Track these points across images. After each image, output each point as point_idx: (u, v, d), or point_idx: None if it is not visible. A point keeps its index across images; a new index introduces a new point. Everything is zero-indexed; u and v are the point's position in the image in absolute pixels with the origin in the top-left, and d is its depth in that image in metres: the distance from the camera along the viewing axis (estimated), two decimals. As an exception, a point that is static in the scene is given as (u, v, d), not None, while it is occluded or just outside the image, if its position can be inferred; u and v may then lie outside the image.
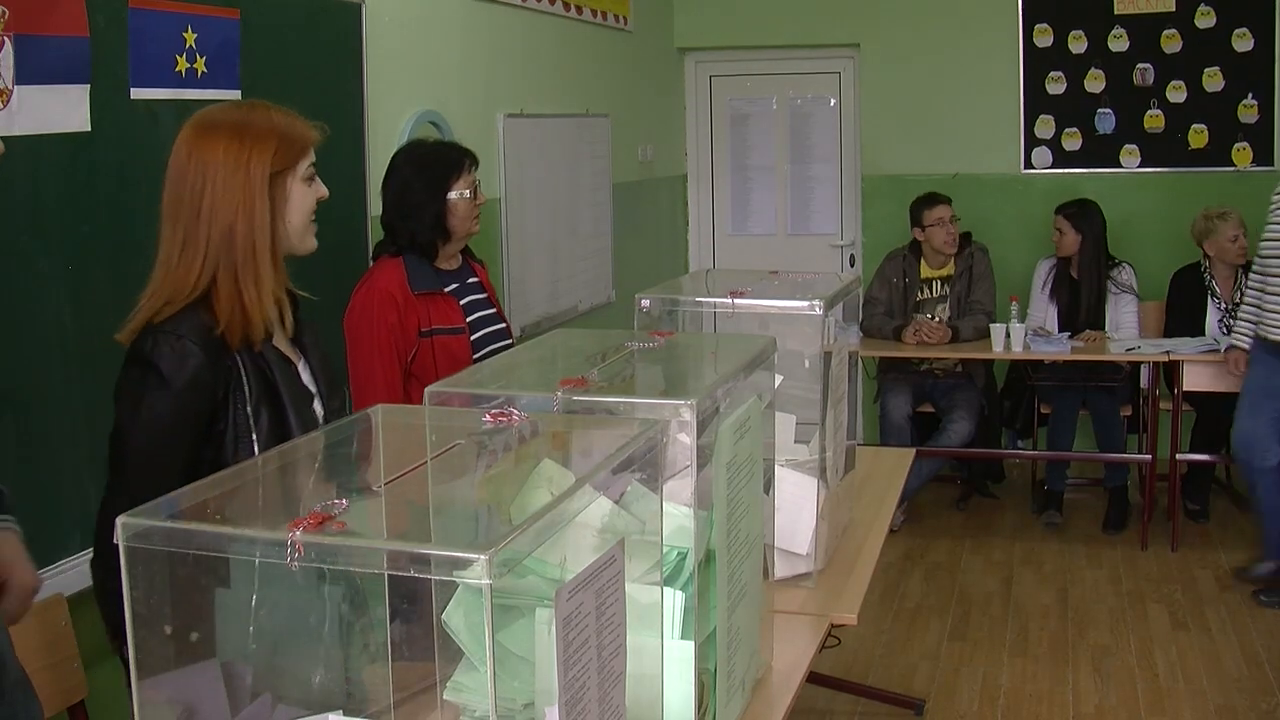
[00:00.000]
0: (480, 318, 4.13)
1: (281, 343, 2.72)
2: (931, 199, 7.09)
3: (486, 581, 1.47)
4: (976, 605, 5.97)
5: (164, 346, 2.50)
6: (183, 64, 3.51)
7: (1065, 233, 7.07)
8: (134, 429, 2.54)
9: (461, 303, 4.08)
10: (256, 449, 2.56)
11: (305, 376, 2.76)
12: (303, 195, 2.66)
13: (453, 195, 4.00)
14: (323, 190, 2.72)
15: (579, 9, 6.60)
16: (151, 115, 3.41)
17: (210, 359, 2.53)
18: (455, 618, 1.88)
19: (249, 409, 2.58)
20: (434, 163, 4.04)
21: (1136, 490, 7.21)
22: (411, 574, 1.54)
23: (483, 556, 1.47)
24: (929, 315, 7.01)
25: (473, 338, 4.06)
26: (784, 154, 8.69)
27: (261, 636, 1.95)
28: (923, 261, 7.15)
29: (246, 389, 2.58)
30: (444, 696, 1.99)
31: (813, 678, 4.37)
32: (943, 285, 7.11)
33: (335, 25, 4.29)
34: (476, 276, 4.20)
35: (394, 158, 4.13)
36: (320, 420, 2.75)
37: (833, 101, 8.60)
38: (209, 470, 2.18)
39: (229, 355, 2.56)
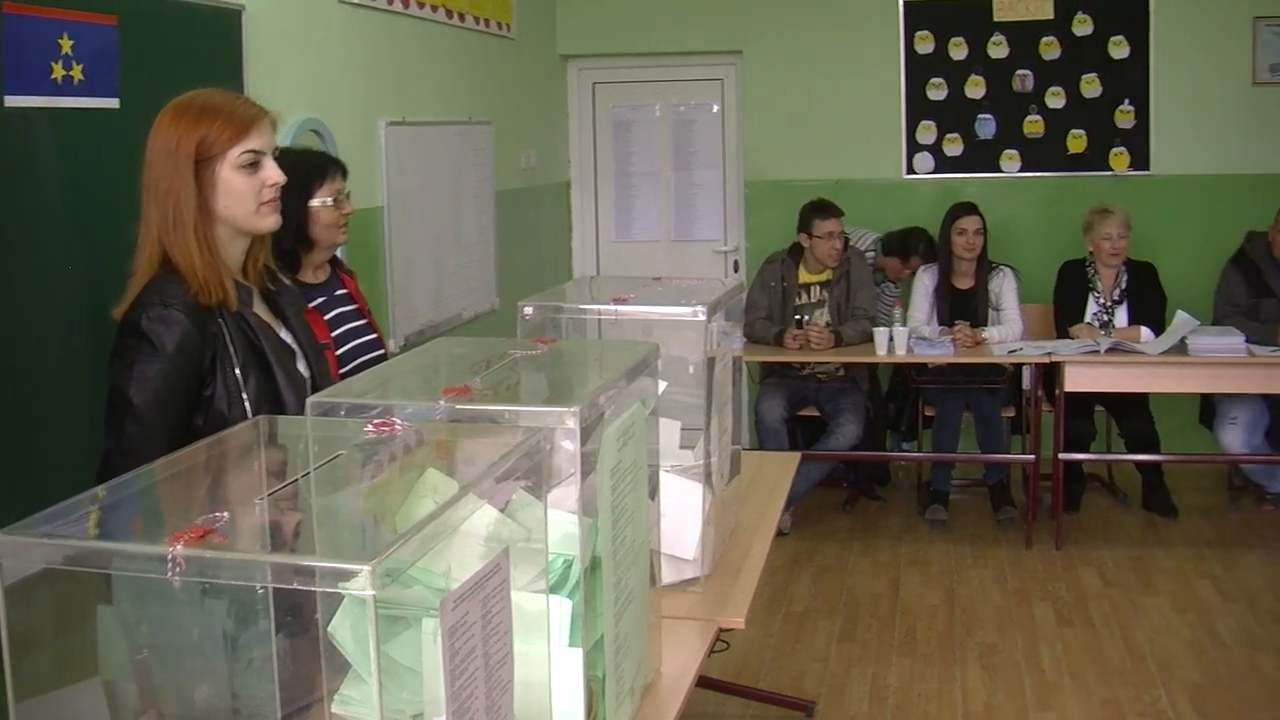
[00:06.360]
0: (349, 330, 4.09)
1: (260, 309, 2.90)
2: (826, 210, 7.07)
3: (370, 592, 1.47)
4: (865, 607, 6.03)
5: (153, 316, 2.67)
6: (59, 71, 3.45)
7: (980, 233, 7.07)
8: (130, 395, 2.67)
9: (328, 316, 4.03)
10: (249, 409, 2.73)
11: (287, 338, 2.93)
12: (239, 180, 2.78)
13: (315, 203, 3.94)
14: (272, 175, 2.85)
15: (461, 16, 6.57)
16: (27, 124, 3.35)
17: (197, 325, 2.70)
18: (341, 629, 1.86)
19: (238, 371, 2.75)
20: (296, 170, 3.97)
21: (1020, 489, 7.32)
22: (295, 586, 1.53)
23: (366, 567, 1.47)
24: (807, 319, 7.05)
25: (341, 350, 4.02)
26: (667, 160, 8.73)
27: (144, 653, 1.92)
28: (801, 266, 7.19)
29: (233, 351, 2.75)
30: (332, 709, 1.97)
31: (702, 682, 4.38)
32: (821, 290, 7.15)
33: (214, 31, 4.23)
34: (345, 288, 4.16)
35: None
36: (307, 380, 2.94)
37: (715, 108, 8.66)
38: (204, 436, 2.31)
39: (214, 320, 2.73)
